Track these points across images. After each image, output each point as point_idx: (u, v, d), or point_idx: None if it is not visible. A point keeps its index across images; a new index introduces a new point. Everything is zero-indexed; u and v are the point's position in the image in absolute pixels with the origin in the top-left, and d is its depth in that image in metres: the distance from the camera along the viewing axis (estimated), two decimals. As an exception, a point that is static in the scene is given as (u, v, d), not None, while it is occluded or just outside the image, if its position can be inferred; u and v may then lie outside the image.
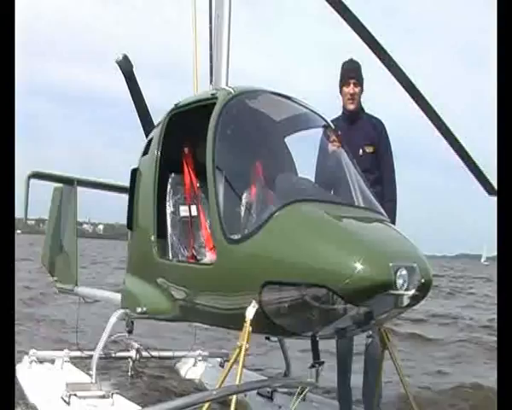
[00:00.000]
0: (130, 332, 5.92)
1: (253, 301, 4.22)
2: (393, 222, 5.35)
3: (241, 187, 4.80)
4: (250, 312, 4.20)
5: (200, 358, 7.80)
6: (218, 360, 7.77)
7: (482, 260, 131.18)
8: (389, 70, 5.83)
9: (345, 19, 5.80)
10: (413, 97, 5.89)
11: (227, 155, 4.81)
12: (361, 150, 5.87)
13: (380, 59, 5.84)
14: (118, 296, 6.20)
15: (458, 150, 5.92)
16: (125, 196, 7.83)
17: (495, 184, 5.73)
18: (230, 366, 4.25)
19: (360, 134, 5.96)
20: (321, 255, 3.95)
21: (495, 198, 5.49)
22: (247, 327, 4.18)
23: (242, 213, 4.67)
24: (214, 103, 4.94)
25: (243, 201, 4.73)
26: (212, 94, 5.15)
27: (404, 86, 5.87)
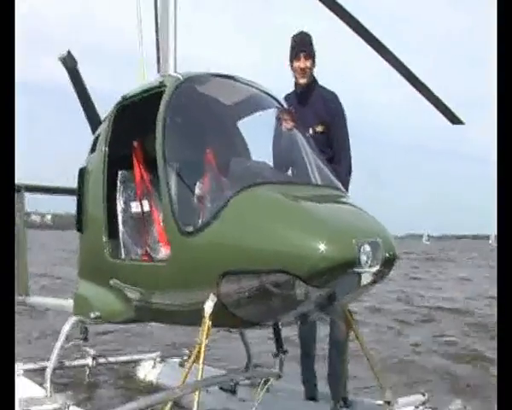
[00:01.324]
0: (85, 340, 5.63)
1: (212, 295, 4.01)
2: None
3: (194, 177, 4.58)
4: (208, 306, 4.01)
5: (158, 359, 7.54)
6: (177, 360, 7.53)
7: (424, 239, 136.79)
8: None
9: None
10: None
11: (178, 145, 4.61)
12: (311, 130, 5.66)
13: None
14: (68, 303, 5.91)
15: (419, 87, 5.99)
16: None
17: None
18: (191, 364, 4.08)
19: (310, 113, 5.76)
20: (280, 239, 3.75)
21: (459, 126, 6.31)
22: (207, 322, 4.00)
23: (197, 204, 4.46)
24: (162, 92, 4.72)
25: (197, 191, 4.52)
26: (160, 82, 4.92)
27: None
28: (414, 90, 6.04)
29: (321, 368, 6.13)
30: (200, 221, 4.23)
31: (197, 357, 4.00)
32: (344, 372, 5.43)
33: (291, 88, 6.06)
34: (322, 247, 3.61)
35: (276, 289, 3.83)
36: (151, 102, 4.75)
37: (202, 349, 3.97)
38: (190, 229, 4.21)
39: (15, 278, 6.99)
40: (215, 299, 4.01)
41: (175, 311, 4.63)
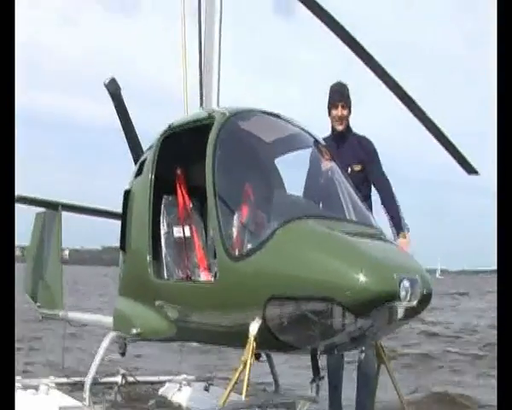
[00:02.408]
0: (123, 354, 5.82)
1: (257, 317, 4.25)
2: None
3: (241, 207, 4.83)
4: (254, 327, 4.23)
5: (185, 382, 7.72)
6: (203, 384, 7.69)
7: (437, 274, 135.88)
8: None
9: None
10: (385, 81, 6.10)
11: (226, 176, 4.85)
12: (349, 169, 6.02)
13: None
14: (107, 319, 6.12)
15: (436, 134, 6.21)
16: (108, 221, 7.92)
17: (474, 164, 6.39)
18: (235, 382, 4.24)
19: (348, 153, 6.16)
20: (326, 268, 4.01)
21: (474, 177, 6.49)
22: (251, 343, 4.20)
23: (243, 232, 4.69)
24: (210, 124, 4.99)
25: (243, 220, 4.76)
26: (208, 115, 5.19)
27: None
28: (430, 136, 6.25)
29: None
30: (248, 247, 4.48)
31: (241, 376, 4.17)
32: (372, 407, 5.50)
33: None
34: (365, 278, 3.86)
35: (318, 316, 4.08)
36: (198, 133, 5.03)
37: (247, 369, 4.15)
38: (238, 254, 4.48)
39: (54, 293, 7.31)
40: (260, 321, 4.23)
41: (218, 331, 4.83)
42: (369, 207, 5.83)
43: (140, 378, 7.35)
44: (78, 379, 6.55)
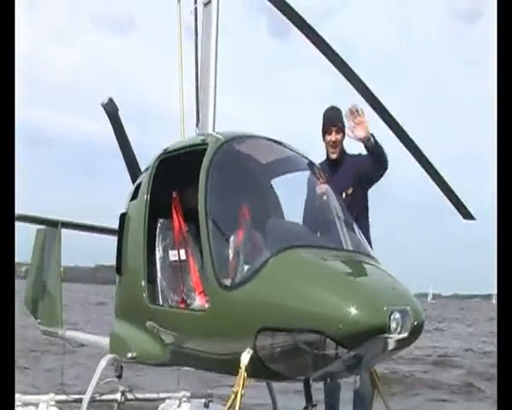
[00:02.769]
0: (119, 377, 5.87)
1: (248, 347, 4.26)
2: None
3: (234, 233, 4.85)
4: (245, 357, 4.24)
5: (184, 399, 7.75)
6: (203, 400, 7.72)
7: (429, 298, 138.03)
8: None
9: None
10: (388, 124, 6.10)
11: (219, 202, 4.88)
12: (344, 194, 6.02)
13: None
14: (105, 340, 6.15)
15: (434, 176, 6.20)
16: (107, 237, 7.97)
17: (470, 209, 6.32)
18: None
19: (343, 179, 6.14)
20: (316, 301, 4.02)
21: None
22: (243, 373, 4.21)
23: (236, 260, 4.71)
24: (204, 149, 5.02)
25: (236, 247, 4.78)
26: (202, 140, 5.23)
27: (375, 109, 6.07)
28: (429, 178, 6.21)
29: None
30: (240, 276, 4.50)
31: (232, 406, 4.20)
32: None
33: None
34: (355, 311, 3.87)
35: (308, 348, 4.09)
36: (192, 158, 5.05)
37: (238, 398, 4.17)
38: (230, 283, 4.50)
39: (53, 310, 7.34)
40: (251, 351, 4.24)
41: (211, 358, 4.84)
42: (366, 233, 5.87)
43: (139, 395, 7.38)
44: (77, 396, 6.58)
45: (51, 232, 7.56)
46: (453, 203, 6.31)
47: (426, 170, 6.21)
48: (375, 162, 5.99)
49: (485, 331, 33.65)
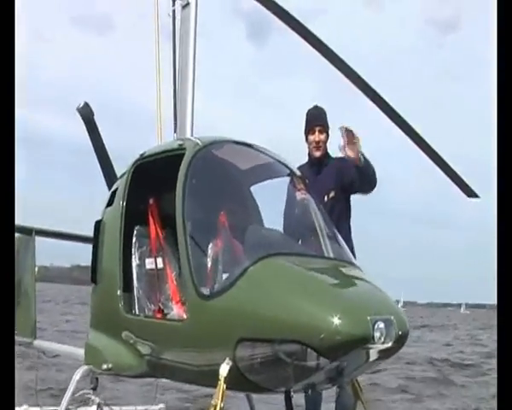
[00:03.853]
0: (94, 389, 5.69)
1: (227, 358, 4.11)
2: None
3: (212, 241, 4.72)
4: (224, 369, 4.10)
5: None
6: None
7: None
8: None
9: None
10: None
11: (197, 209, 4.75)
12: (326, 197, 5.92)
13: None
14: (79, 351, 5.99)
15: (434, 158, 6.22)
16: (83, 245, 7.79)
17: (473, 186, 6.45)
18: None
19: (326, 181, 6.01)
20: (297, 311, 3.88)
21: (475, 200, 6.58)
22: (221, 385, 4.07)
23: (214, 268, 4.59)
24: (181, 154, 4.88)
25: (214, 255, 4.65)
26: (180, 145, 5.08)
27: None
28: (430, 161, 6.26)
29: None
30: (218, 286, 4.38)
31: None
32: None
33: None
34: (337, 321, 3.73)
35: (289, 359, 3.95)
36: (170, 163, 4.91)
37: None
38: (208, 292, 4.35)
39: (27, 320, 7.14)
40: (230, 363, 4.10)
41: (189, 370, 4.68)
42: (347, 236, 5.78)
43: (116, 408, 7.19)
44: (52, 408, 6.41)
45: (25, 240, 7.36)
46: (456, 183, 6.36)
47: (427, 153, 6.20)
48: (364, 181, 5.89)
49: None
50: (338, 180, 6.05)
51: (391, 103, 6.11)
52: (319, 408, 6.11)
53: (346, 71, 6.00)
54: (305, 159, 6.38)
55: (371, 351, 3.93)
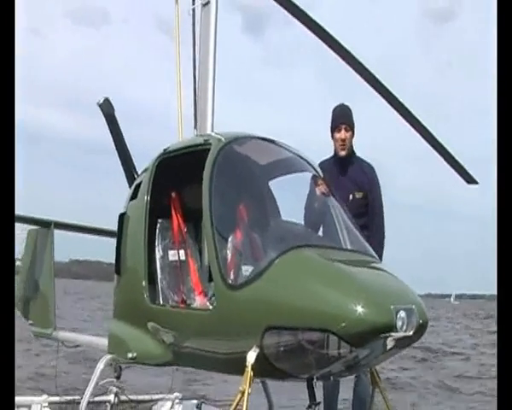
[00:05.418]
0: (118, 378, 5.85)
1: (255, 346, 4.25)
2: None
3: (238, 233, 4.83)
4: (251, 356, 4.23)
5: (177, 401, 7.76)
6: (195, 401, 7.75)
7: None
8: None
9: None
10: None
11: (223, 202, 4.87)
12: (351, 196, 6.08)
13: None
14: (100, 341, 6.12)
15: (435, 145, 6.35)
16: (101, 238, 7.93)
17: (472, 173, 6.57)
18: None
19: (350, 180, 6.19)
20: (324, 300, 4.03)
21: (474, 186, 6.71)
22: (249, 372, 4.20)
23: (241, 259, 4.70)
24: (206, 150, 5.01)
25: (241, 247, 4.77)
26: (205, 140, 5.20)
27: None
28: (430, 147, 6.40)
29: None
30: (245, 276, 4.50)
31: (239, 405, 4.18)
32: None
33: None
34: (362, 309, 3.89)
35: (315, 346, 4.11)
36: (195, 158, 5.05)
37: (245, 398, 4.16)
38: (236, 282, 4.50)
39: (46, 311, 7.28)
40: (257, 350, 4.24)
41: (216, 358, 4.82)
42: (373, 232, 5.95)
43: (133, 397, 7.35)
44: (70, 398, 6.57)
45: (43, 233, 7.50)
46: (456, 170, 6.48)
47: (428, 141, 6.34)
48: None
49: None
50: (364, 182, 6.26)
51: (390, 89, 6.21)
52: (336, 399, 6.24)
53: (346, 58, 6.09)
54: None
55: (393, 339, 4.07)
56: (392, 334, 4.00)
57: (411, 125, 6.32)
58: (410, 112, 6.27)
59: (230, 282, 4.51)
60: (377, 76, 6.17)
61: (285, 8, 5.97)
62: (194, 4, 6.23)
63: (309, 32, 6.05)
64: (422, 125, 6.32)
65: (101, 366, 5.61)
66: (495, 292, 4.27)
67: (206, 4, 6.02)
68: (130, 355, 5.38)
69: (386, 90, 6.21)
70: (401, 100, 6.25)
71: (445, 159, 6.44)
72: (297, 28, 5.99)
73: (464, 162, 6.49)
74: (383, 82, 6.19)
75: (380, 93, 6.23)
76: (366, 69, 6.13)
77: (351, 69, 6.14)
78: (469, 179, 6.66)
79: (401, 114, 6.29)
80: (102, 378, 5.75)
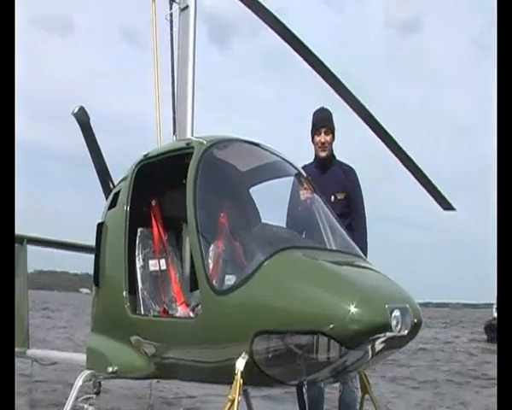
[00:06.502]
0: (97, 393, 5.60)
1: (243, 353, 4.10)
2: None
3: (225, 238, 4.69)
4: (240, 363, 4.08)
5: None
6: None
7: None
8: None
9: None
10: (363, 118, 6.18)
11: (208, 206, 4.73)
12: (333, 197, 5.99)
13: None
14: (78, 356, 5.90)
15: (413, 170, 6.29)
16: (74, 254, 7.72)
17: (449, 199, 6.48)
18: None
19: (332, 181, 6.10)
20: (316, 301, 3.90)
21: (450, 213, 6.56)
22: (239, 380, 4.04)
23: (228, 264, 4.56)
24: (188, 153, 4.87)
25: (227, 252, 4.62)
26: (187, 144, 5.05)
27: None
28: (407, 172, 6.32)
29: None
30: (232, 280, 4.34)
31: None
32: None
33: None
34: (356, 309, 3.77)
35: (308, 350, 3.97)
36: (175, 164, 4.93)
37: (235, 406, 3.99)
38: (222, 287, 4.34)
39: (19, 329, 7.01)
40: (247, 357, 4.08)
41: (201, 367, 4.65)
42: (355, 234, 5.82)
43: None
44: None
45: (16, 249, 7.22)
46: (433, 196, 6.40)
47: (405, 165, 6.29)
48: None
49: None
50: (345, 183, 6.19)
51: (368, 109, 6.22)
52: (322, 407, 6.16)
53: (322, 72, 6.11)
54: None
55: (387, 339, 3.96)
56: (387, 334, 3.89)
57: (390, 149, 6.29)
58: (388, 134, 6.25)
59: (217, 286, 4.35)
60: (353, 92, 6.18)
61: (256, 14, 5.92)
62: (171, 9, 6.13)
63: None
64: (402, 150, 6.27)
65: (79, 382, 5.35)
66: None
67: (184, 9, 5.94)
68: (110, 369, 5.15)
69: (361, 105, 6.21)
70: (377, 118, 6.24)
71: (422, 183, 6.35)
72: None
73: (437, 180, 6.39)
74: (359, 98, 6.19)
75: (351, 106, 6.23)
76: (340, 82, 6.14)
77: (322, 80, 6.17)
78: (446, 206, 6.55)
79: (378, 135, 6.29)
80: (80, 395, 5.46)
